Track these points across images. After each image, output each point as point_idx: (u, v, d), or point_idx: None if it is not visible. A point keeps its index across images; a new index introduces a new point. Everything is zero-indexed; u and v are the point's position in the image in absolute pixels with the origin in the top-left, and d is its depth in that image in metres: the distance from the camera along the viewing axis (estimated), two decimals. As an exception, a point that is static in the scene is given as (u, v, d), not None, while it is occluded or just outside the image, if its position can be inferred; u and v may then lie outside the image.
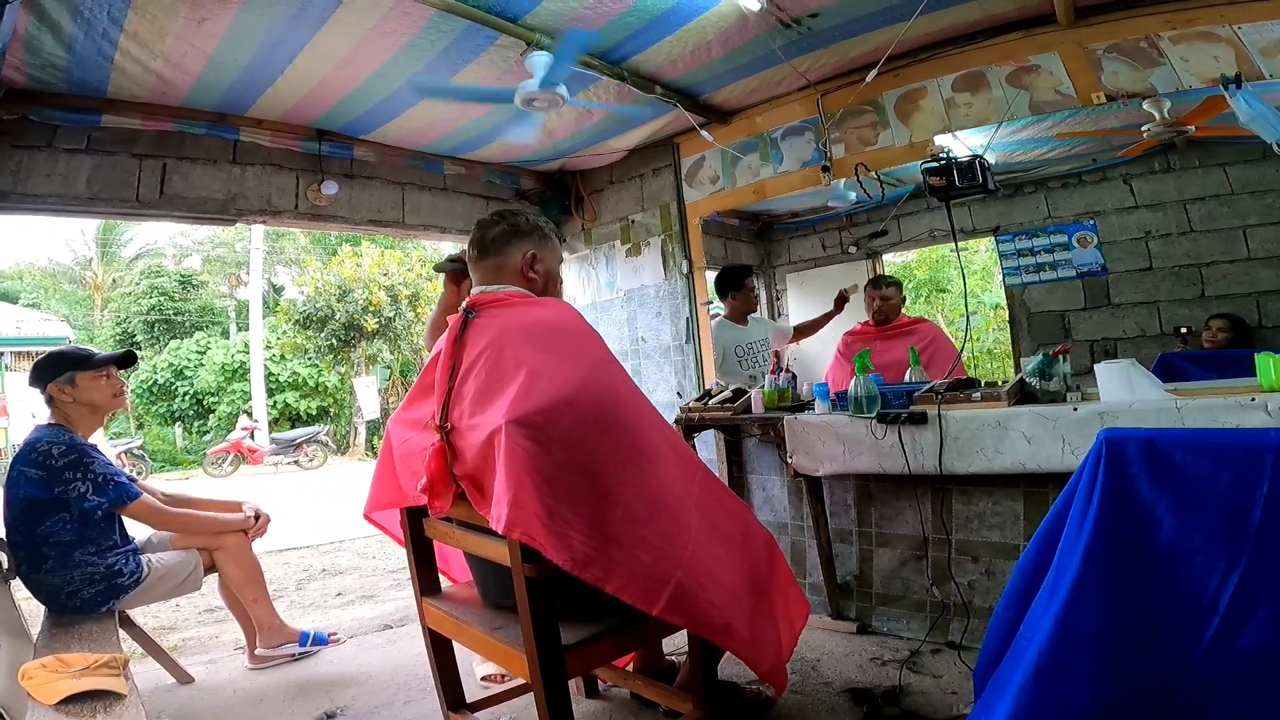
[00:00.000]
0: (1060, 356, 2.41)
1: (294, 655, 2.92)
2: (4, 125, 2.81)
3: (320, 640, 3.00)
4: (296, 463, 13.40)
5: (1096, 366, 2.27)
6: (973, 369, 4.51)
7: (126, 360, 2.78)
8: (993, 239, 4.51)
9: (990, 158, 2.97)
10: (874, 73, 2.99)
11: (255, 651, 2.90)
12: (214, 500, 3.01)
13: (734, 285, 4.06)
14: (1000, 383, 2.54)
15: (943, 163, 2.82)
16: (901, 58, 3.08)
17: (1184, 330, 4.06)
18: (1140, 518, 1.30)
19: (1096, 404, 2.18)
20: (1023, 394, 2.44)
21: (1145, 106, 2.98)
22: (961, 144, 3.27)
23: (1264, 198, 3.90)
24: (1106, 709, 1.26)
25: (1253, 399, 1.88)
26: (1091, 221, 4.37)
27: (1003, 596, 1.59)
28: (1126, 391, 2.15)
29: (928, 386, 2.60)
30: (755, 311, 4.22)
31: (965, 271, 4.03)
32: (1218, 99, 2.64)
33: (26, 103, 2.79)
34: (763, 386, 3.18)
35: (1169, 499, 1.28)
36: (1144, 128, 3.18)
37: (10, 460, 2.51)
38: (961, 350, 3.48)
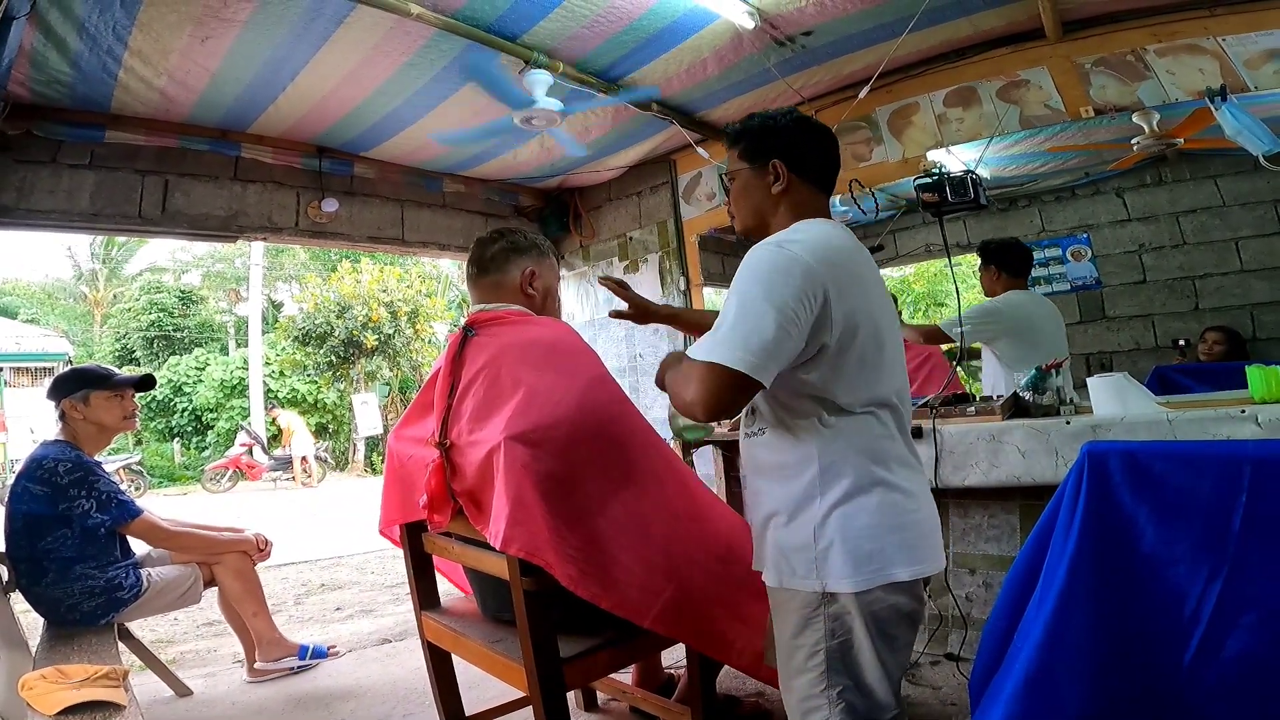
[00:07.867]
0: (1053, 371, 2.43)
1: (293, 669, 2.91)
2: (8, 140, 2.84)
3: (319, 654, 3.00)
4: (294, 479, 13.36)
5: (1089, 380, 2.28)
6: (968, 384, 4.53)
7: (145, 384, 2.80)
8: (988, 253, 4.53)
9: (983, 172, 3.00)
10: (867, 89, 3.03)
11: (254, 665, 2.89)
12: (217, 527, 3.00)
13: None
14: (995, 397, 2.55)
15: (935, 178, 2.84)
16: (894, 73, 3.12)
17: (1181, 342, 4.07)
18: (1123, 529, 1.32)
19: (1089, 417, 2.18)
20: (1017, 408, 2.45)
21: (1135, 119, 3.02)
22: (955, 159, 3.30)
23: (1255, 209, 3.93)
24: (1096, 717, 1.27)
25: (1243, 410, 1.89)
26: (1085, 235, 4.40)
27: (995, 607, 1.59)
28: (1118, 405, 2.16)
29: (923, 401, 2.62)
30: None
31: (961, 286, 4.04)
32: (1205, 111, 2.67)
33: (31, 118, 2.82)
34: None
35: (1149, 510, 1.30)
36: (1134, 141, 3.22)
37: (15, 475, 2.52)
38: (957, 365, 3.50)
